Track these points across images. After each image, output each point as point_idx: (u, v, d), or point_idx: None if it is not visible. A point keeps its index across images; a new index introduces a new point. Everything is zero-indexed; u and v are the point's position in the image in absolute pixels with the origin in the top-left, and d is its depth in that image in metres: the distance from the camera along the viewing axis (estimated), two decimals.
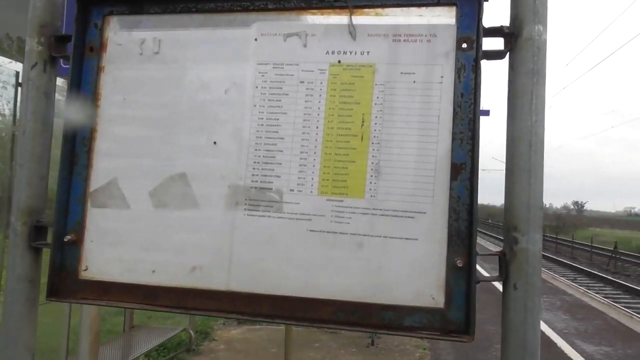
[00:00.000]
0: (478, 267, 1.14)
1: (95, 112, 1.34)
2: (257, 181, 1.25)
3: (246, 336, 6.94)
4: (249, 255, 1.23)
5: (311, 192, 1.22)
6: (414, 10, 1.22)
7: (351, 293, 1.17)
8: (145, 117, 1.32)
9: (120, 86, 1.35)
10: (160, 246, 1.28)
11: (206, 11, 1.33)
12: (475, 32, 1.17)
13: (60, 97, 1.69)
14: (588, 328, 8.47)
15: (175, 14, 1.34)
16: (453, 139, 1.16)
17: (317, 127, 1.23)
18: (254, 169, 1.25)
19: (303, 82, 1.25)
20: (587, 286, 15.63)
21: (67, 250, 1.32)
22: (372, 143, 1.20)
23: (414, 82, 1.20)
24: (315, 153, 1.23)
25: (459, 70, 1.18)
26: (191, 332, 6.18)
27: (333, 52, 1.25)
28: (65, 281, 1.32)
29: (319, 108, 1.24)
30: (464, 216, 1.14)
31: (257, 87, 1.28)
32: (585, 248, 27.65)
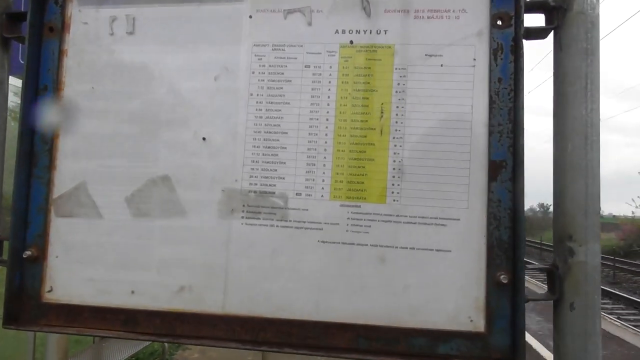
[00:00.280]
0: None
1: (57, 103, 1.18)
2: (256, 184, 1.09)
3: None
4: (249, 272, 1.09)
5: (322, 196, 1.07)
6: None
7: (373, 316, 1.01)
8: (119, 110, 1.17)
9: (87, 73, 1.20)
10: (140, 262, 1.14)
11: None
12: (513, 7, 1.02)
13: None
14: None
15: None
16: (490, 133, 1.01)
17: (327, 120, 1.08)
18: (252, 169, 1.09)
19: (309, 66, 1.10)
20: None
21: (27, 268, 1.17)
22: (394, 138, 1.05)
23: (441, 65, 1.05)
24: (325, 150, 1.08)
25: (495, 52, 1.03)
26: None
27: (344, 32, 1.10)
28: (26, 305, 1.17)
29: (328, 97, 1.09)
30: (506, 223, 0.99)
31: (253, 72, 1.13)
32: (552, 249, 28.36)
